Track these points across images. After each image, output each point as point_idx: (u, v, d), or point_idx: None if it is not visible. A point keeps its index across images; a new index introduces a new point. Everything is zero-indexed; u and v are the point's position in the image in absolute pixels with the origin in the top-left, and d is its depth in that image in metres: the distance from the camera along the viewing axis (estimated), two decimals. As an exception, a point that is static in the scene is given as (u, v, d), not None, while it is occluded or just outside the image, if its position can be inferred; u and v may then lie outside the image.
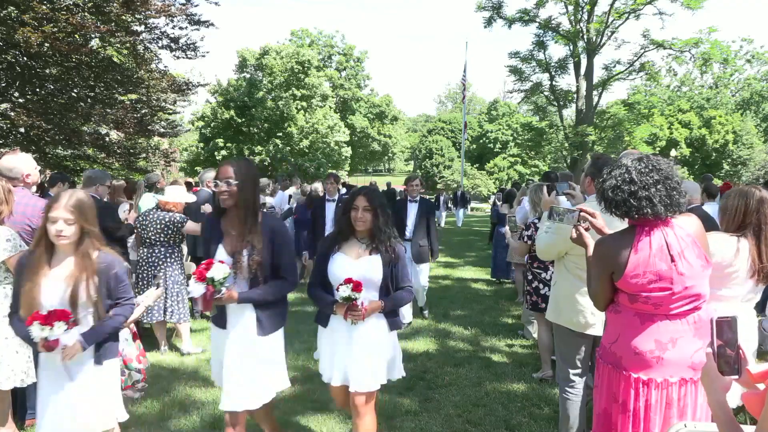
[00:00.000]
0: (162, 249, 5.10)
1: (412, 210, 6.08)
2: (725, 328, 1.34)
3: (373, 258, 2.81)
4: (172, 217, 5.10)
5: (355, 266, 2.78)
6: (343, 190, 15.08)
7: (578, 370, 3.09)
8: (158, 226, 5.07)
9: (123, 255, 5.18)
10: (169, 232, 5.09)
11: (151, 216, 5.12)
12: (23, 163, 3.63)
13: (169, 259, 5.11)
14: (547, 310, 3.28)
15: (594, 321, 2.96)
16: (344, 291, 2.64)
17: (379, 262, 2.80)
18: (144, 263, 5.12)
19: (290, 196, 10.08)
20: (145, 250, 5.14)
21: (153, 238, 5.09)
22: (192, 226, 5.13)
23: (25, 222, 3.35)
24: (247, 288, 2.72)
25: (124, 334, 4.30)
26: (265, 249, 2.68)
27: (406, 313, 6.03)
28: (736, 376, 1.32)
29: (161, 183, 7.15)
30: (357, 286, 2.63)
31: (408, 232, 6.01)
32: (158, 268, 5.07)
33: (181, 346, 5.27)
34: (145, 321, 5.13)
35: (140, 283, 5.05)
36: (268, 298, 2.73)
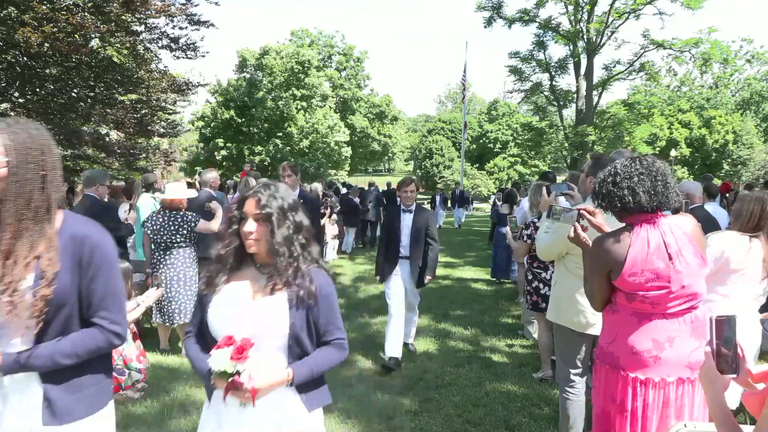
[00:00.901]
0: (179, 250, 4.97)
1: (406, 222, 5.03)
2: (724, 327, 1.34)
3: (275, 299, 1.76)
4: (184, 216, 4.99)
5: (244, 312, 1.75)
6: (344, 190, 15.05)
7: (578, 370, 3.09)
8: (172, 228, 4.91)
9: (123, 255, 5.19)
10: (184, 232, 4.96)
11: (161, 219, 4.95)
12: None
13: (188, 260, 5.02)
14: (548, 309, 3.28)
15: (594, 321, 2.96)
16: (218, 360, 1.62)
17: (285, 304, 1.75)
18: (162, 266, 4.97)
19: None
20: (162, 253, 4.96)
21: (169, 240, 4.92)
22: (204, 225, 5.04)
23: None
24: (31, 344, 1.56)
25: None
26: (65, 275, 1.56)
27: (412, 333, 5.32)
28: (735, 375, 1.32)
29: (158, 183, 7.12)
30: (240, 350, 1.61)
31: (403, 249, 5.02)
32: (178, 269, 4.96)
33: (182, 346, 5.25)
34: (155, 321, 5.14)
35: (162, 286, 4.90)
36: (63, 360, 1.56)
